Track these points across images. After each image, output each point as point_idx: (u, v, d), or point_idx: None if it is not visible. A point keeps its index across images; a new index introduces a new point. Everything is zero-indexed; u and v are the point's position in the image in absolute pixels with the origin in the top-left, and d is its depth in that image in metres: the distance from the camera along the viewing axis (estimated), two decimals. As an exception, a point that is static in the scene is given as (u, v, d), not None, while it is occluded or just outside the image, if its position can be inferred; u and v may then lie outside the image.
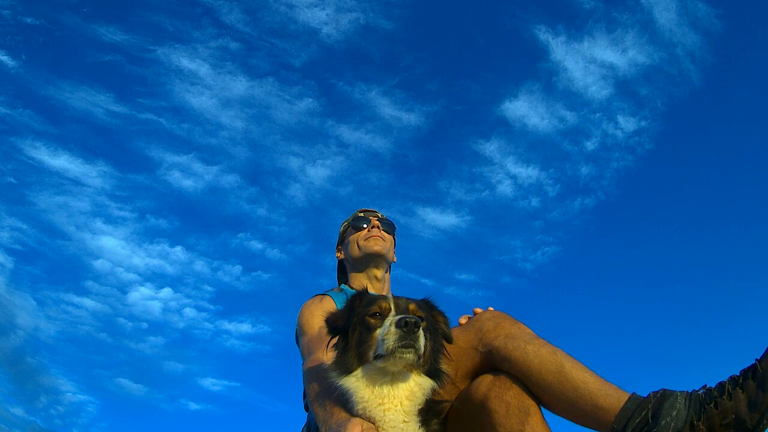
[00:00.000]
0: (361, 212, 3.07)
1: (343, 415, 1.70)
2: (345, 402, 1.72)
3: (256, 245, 17.62)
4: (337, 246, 3.13)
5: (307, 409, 2.53)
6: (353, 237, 2.94)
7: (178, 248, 17.50)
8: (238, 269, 17.57)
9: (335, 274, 3.21)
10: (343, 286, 2.98)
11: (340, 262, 3.15)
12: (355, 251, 2.90)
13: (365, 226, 2.96)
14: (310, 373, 2.06)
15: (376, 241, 2.87)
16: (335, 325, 1.83)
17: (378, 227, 2.93)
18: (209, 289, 17.57)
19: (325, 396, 1.82)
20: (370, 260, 2.87)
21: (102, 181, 17.07)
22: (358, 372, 1.70)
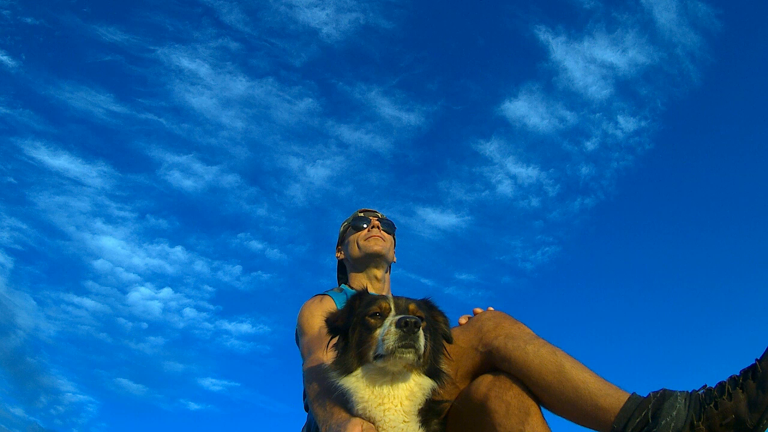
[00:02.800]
0: (361, 212, 3.07)
1: (343, 415, 1.70)
2: (345, 402, 1.72)
3: (256, 245, 17.65)
4: (337, 246, 3.13)
5: (307, 409, 2.53)
6: (353, 237, 2.94)
7: (178, 248, 17.53)
8: (238, 269, 17.59)
9: (335, 274, 3.21)
10: (343, 286, 2.99)
11: (340, 262, 3.15)
12: (355, 251, 2.90)
13: (365, 226, 2.96)
14: (310, 373, 2.06)
15: (376, 241, 2.87)
16: (335, 325, 1.83)
17: (378, 227, 2.94)
18: (209, 289, 17.60)
19: (325, 396, 1.82)
20: (370, 260, 2.87)
21: (102, 181, 17.11)
22: (358, 372, 1.70)
